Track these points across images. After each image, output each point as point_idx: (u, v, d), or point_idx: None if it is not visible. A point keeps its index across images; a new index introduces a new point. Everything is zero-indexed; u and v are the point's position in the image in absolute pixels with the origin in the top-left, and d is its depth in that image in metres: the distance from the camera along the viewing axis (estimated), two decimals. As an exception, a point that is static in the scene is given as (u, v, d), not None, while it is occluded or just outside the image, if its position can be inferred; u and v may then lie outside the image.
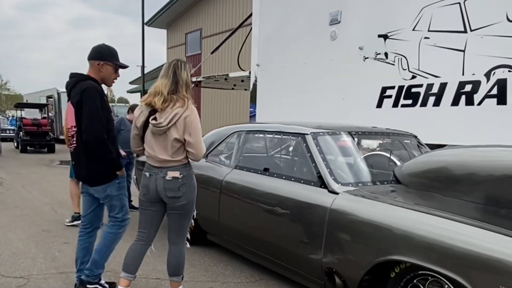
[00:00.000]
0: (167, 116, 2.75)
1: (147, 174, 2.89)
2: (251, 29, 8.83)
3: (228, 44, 21.29)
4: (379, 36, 6.19)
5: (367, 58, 6.45)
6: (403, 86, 5.90)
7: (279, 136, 3.38)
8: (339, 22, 6.83)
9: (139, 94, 34.21)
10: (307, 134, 3.12)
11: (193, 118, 2.79)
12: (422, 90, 5.66)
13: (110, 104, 6.44)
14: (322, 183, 2.86)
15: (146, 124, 2.82)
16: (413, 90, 5.78)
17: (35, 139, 15.66)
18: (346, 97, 6.72)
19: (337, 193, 2.74)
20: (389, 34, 6.10)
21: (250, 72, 8.65)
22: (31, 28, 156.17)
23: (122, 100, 51.24)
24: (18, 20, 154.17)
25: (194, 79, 11.00)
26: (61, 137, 19.25)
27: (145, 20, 22.71)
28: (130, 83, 36.66)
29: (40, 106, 18.52)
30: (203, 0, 22.86)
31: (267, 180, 3.31)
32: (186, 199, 2.87)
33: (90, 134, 2.90)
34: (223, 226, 3.81)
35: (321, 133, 3.13)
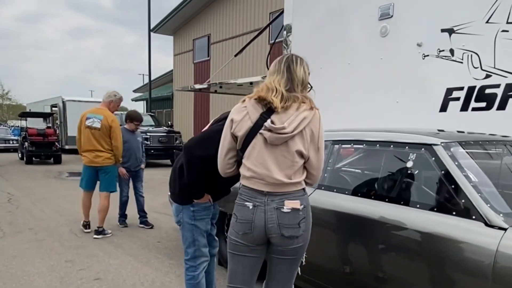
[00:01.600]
0: (291, 120, 1.99)
1: (249, 204, 2.06)
2: (282, 27, 8.11)
3: (236, 48, 20.63)
4: (443, 30, 5.44)
5: (427, 56, 5.71)
6: (474, 86, 5.12)
7: (386, 148, 2.61)
8: (391, 16, 6.09)
9: (143, 102, 33.58)
10: (437, 144, 2.35)
11: (321, 128, 2.06)
12: (499, 91, 4.89)
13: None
14: (471, 212, 2.08)
15: (253, 131, 2.04)
16: (488, 91, 5.01)
17: (41, 149, 14.88)
18: (400, 100, 5.95)
19: (504, 229, 1.95)
20: (455, 28, 5.35)
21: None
22: (29, 38, 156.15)
23: (122, 109, 50.51)
24: (17, 31, 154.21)
25: (205, 85, 10.25)
26: (67, 147, 18.47)
27: (151, 27, 22.05)
28: (134, 91, 36.03)
29: (46, 115, 17.75)
30: (212, 6, 22.22)
31: (371, 205, 2.53)
32: (304, 240, 2.09)
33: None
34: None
35: (457, 144, 2.36)
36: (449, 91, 5.42)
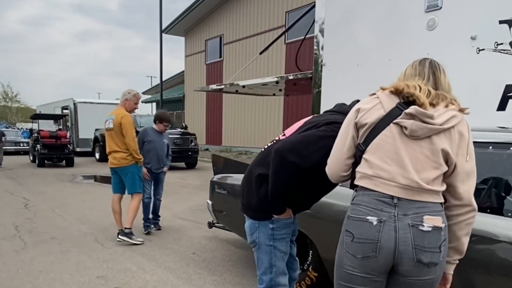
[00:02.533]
0: (440, 114, 1.57)
1: (373, 219, 1.58)
2: (313, 22, 7.67)
3: (249, 49, 20.22)
4: (501, 22, 4.96)
5: (482, 50, 5.23)
6: (540, 83, 4.66)
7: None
8: (440, 8, 5.61)
9: (153, 104, 33.29)
10: None
11: (470, 136, 1.65)
12: None
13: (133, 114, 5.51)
14: None
15: (384, 120, 1.63)
16: (557, 87, 4.54)
17: (54, 152, 14.52)
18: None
19: None
20: (516, 19, 4.89)
21: (311, 73, 7.45)
22: (37, 42, 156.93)
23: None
24: (24, 34, 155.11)
25: (228, 84, 9.81)
26: (78, 149, 18.13)
27: (162, 28, 21.67)
28: (143, 93, 35.80)
29: (58, 117, 17.45)
30: (224, 6, 21.81)
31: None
32: (440, 270, 1.62)
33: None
34: None
35: None
36: (509, 88, 4.95)
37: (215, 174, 4.26)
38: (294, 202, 2.07)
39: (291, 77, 8.91)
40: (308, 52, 16.74)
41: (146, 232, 5.32)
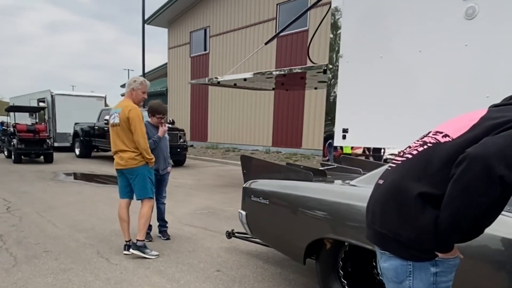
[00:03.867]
0: None
1: None
2: (329, 9, 7.08)
3: (237, 42, 19.50)
4: (556, 10, 4.50)
5: (532, 41, 4.78)
6: None
7: None
8: (482, -6, 5.13)
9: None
10: None
11: None
12: None
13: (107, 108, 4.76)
14: None
15: None
16: None
17: (31, 147, 13.52)
18: (492, 94, 4.98)
19: None
20: None
21: (327, 65, 6.87)
22: (5, 32, 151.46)
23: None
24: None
25: (231, 76, 9.16)
26: (56, 144, 17.11)
27: (145, 18, 20.71)
28: (122, 86, 34.68)
29: (36, 110, 16.39)
30: (211, -4, 20.99)
31: None
32: None
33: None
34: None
35: None
36: None
37: (246, 178, 3.62)
38: (471, 231, 1.45)
39: (297, 70, 8.34)
40: (300, 46, 16.13)
41: (147, 240, 4.68)
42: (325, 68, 7.06)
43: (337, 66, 6.60)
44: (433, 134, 1.56)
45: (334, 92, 6.65)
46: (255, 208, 3.35)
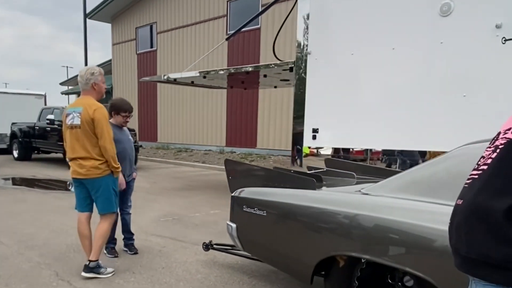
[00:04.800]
0: None
1: None
2: (295, 3, 6.80)
3: (186, 39, 18.89)
4: (534, 8, 4.50)
5: (509, 40, 4.76)
6: None
7: None
8: (457, -9, 5.05)
9: (70, 96, 30.44)
10: None
11: None
12: None
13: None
14: None
15: None
16: None
17: (-38, 151, 12.27)
18: (468, 93, 4.94)
19: None
20: (552, 6, 4.44)
21: (294, 63, 6.60)
22: None
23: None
24: None
25: (192, 73, 8.68)
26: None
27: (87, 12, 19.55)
28: (61, 84, 32.85)
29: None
30: (158, -9, 20.21)
31: None
32: None
33: None
34: None
35: None
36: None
37: (233, 186, 3.25)
38: None
39: (273, 66, 7.98)
40: (253, 44, 15.81)
41: (111, 256, 4.21)
42: (292, 65, 6.81)
43: (305, 63, 6.36)
44: (502, 135, 1.31)
45: (301, 90, 6.41)
46: (249, 221, 2.99)
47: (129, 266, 3.95)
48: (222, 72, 7.81)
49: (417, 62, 5.32)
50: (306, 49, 6.39)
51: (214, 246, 4.03)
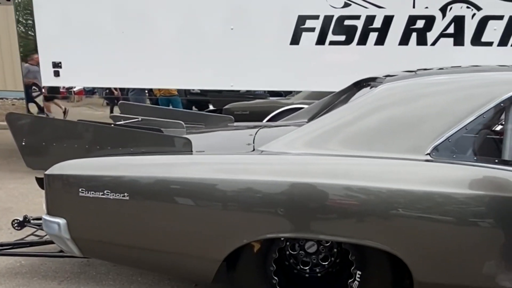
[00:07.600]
0: None
1: None
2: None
3: None
4: None
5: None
6: (332, 16, 4.70)
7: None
8: None
9: None
10: None
11: None
12: (359, 23, 4.68)
13: None
14: None
15: None
16: (347, 22, 4.70)
17: None
18: (236, 26, 4.75)
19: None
20: None
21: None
22: None
23: None
24: None
25: None
26: None
27: None
28: None
29: None
30: None
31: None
32: None
33: None
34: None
35: None
36: (302, 19, 4.72)
37: (34, 160, 1.95)
38: None
39: None
40: None
41: None
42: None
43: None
44: None
45: (26, 16, 4.72)
46: (94, 211, 1.82)
47: None
48: None
49: None
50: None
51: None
